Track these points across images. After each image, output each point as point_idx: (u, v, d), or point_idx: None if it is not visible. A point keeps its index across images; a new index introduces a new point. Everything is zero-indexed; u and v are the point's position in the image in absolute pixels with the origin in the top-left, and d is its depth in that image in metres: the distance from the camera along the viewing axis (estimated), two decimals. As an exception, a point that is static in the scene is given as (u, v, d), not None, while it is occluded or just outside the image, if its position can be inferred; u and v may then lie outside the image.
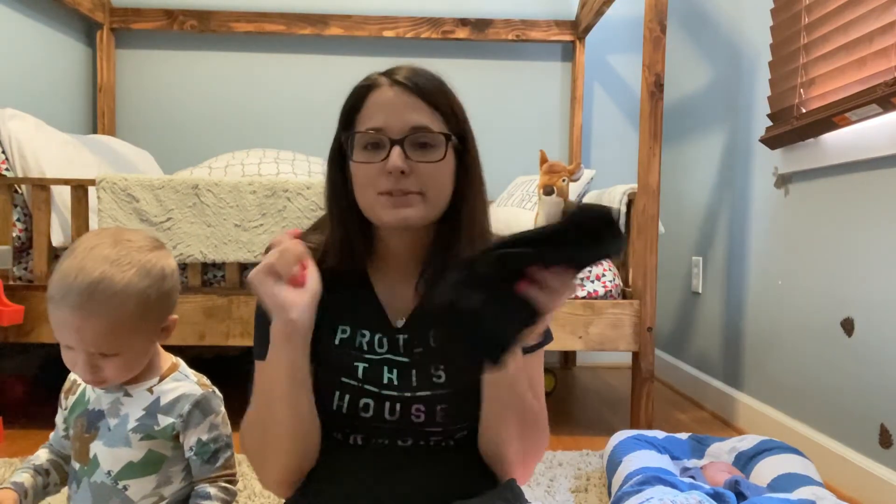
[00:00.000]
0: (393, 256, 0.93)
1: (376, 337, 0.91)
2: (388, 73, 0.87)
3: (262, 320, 0.89)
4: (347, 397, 0.87)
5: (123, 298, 0.84)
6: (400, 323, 0.92)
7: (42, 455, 0.99)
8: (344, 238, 0.90)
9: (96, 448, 0.91)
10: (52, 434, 1.00)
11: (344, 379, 0.88)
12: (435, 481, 0.86)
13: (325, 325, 0.90)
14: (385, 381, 0.88)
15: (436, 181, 0.86)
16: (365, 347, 0.90)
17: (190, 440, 0.92)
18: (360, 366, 0.89)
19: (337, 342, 0.90)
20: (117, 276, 0.84)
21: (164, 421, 0.91)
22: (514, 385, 0.86)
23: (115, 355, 0.87)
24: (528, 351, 0.97)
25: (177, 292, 0.94)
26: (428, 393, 0.89)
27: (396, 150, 0.83)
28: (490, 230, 0.93)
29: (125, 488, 0.90)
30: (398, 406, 0.88)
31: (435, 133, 0.85)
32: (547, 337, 0.99)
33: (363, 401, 0.87)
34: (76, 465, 0.93)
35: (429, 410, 0.88)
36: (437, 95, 0.87)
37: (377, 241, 0.92)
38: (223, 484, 0.94)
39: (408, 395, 0.88)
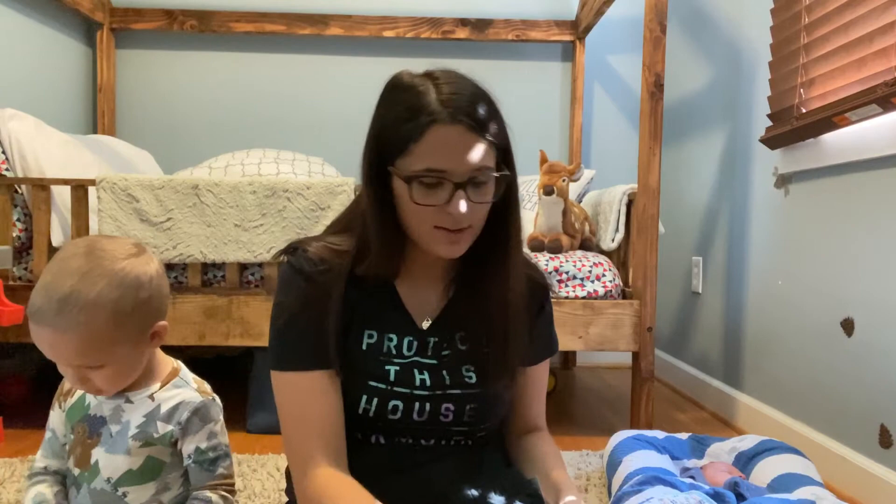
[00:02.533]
0: (421, 264, 0.94)
1: (405, 340, 0.92)
2: (447, 104, 0.81)
3: (292, 325, 0.88)
4: (376, 400, 0.88)
5: (94, 312, 0.81)
6: (426, 325, 0.93)
7: (43, 464, 0.96)
8: (383, 251, 0.89)
9: (98, 454, 0.90)
10: (44, 442, 0.97)
11: (372, 383, 0.89)
12: (458, 477, 0.87)
13: (353, 330, 0.91)
14: (417, 382, 0.89)
15: (483, 212, 0.87)
16: (393, 352, 0.91)
17: (188, 448, 0.92)
18: (392, 369, 0.89)
19: (364, 347, 0.91)
20: (85, 290, 0.81)
21: (164, 428, 0.90)
22: None
23: (100, 367, 0.85)
24: (534, 362, 1.00)
25: (160, 298, 0.90)
26: (459, 391, 0.90)
27: (461, 195, 0.82)
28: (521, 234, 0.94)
29: (124, 495, 0.90)
30: (428, 406, 0.89)
31: (494, 173, 0.85)
32: (554, 346, 1.02)
33: (392, 403, 0.88)
34: (76, 471, 0.92)
35: (458, 409, 0.89)
36: (493, 129, 0.84)
37: (410, 250, 0.92)
38: (223, 493, 0.93)
39: (439, 392, 0.89)
